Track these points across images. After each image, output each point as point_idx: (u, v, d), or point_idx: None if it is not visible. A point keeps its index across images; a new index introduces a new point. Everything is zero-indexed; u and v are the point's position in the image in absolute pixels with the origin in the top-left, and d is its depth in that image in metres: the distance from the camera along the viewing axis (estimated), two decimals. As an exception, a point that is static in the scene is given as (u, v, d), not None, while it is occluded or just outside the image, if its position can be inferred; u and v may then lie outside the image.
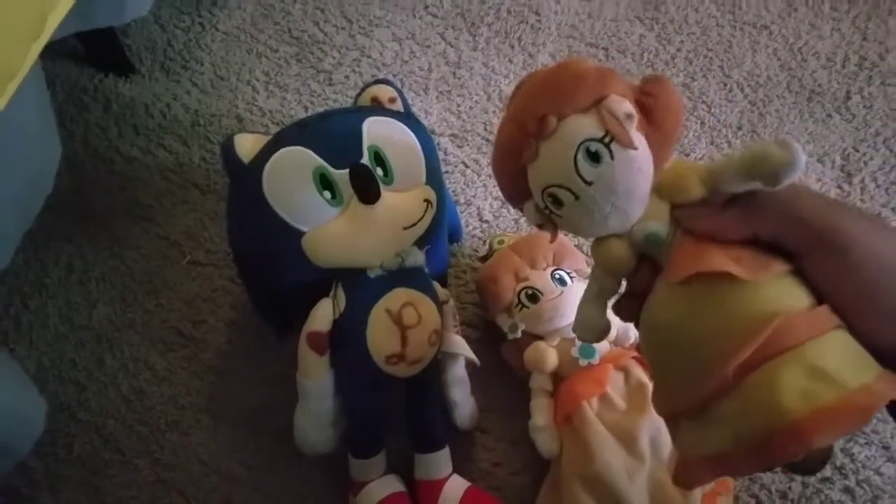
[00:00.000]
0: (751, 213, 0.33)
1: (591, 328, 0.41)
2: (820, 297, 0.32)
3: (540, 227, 0.41)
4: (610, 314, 0.42)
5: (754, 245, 0.33)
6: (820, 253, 0.31)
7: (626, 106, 0.34)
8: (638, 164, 0.35)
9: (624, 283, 0.40)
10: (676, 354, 0.34)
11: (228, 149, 0.58)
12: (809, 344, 0.30)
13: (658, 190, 0.36)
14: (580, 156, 0.35)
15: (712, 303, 0.32)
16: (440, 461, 0.59)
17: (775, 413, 0.29)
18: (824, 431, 0.28)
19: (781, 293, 0.31)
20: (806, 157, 0.31)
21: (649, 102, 0.36)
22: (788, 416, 0.28)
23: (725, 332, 0.31)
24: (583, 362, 0.60)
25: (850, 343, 0.30)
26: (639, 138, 0.35)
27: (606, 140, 0.34)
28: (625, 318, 0.39)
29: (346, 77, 0.88)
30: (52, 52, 0.61)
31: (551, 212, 0.38)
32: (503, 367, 0.65)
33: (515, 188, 0.40)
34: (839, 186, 0.79)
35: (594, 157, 0.35)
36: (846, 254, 0.30)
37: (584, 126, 0.35)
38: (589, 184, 0.35)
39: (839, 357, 0.29)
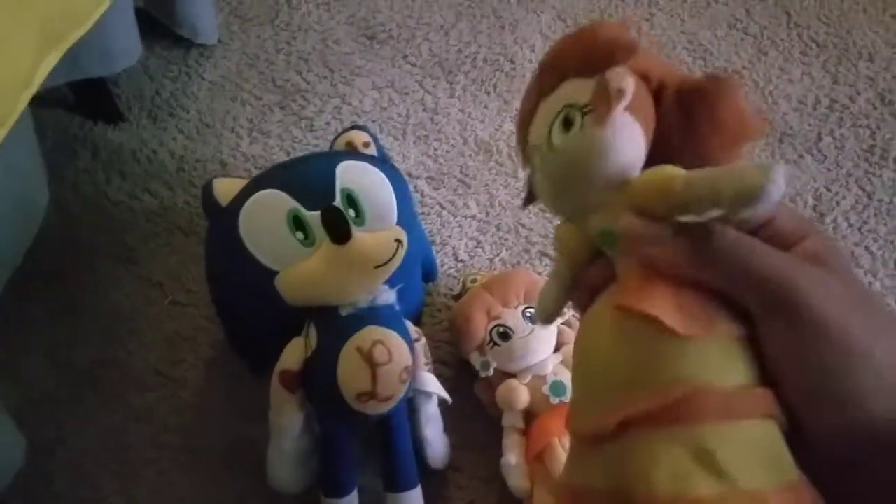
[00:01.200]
0: (696, 257, 0.28)
1: (540, 308, 0.37)
2: (767, 370, 0.27)
3: (525, 199, 0.38)
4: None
5: (714, 291, 0.28)
6: (772, 321, 0.27)
7: (623, 81, 0.29)
8: (603, 144, 0.30)
9: None
10: (585, 376, 0.31)
11: (208, 192, 0.61)
12: (714, 426, 0.26)
13: (631, 192, 0.30)
14: (558, 119, 0.32)
15: (634, 343, 0.28)
16: (412, 501, 0.60)
17: (642, 481, 0.26)
18: None
19: (712, 361, 0.27)
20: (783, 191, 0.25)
21: (692, 101, 0.31)
22: (651, 488, 0.25)
23: (631, 379, 0.28)
24: (554, 400, 0.61)
25: (766, 438, 0.26)
26: (624, 121, 0.30)
27: (586, 109, 0.30)
28: (576, 310, 0.35)
29: (328, 123, 0.91)
30: (45, 100, 0.63)
31: (533, 175, 0.35)
32: (476, 406, 0.66)
33: (521, 148, 0.37)
34: (811, 226, 0.81)
35: (567, 124, 0.31)
36: (800, 328, 0.26)
37: (575, 90, 0.32)
38: (554, 150, 0.32)
39: (742, 450, 0.25)
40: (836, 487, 0.26)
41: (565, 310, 0.37)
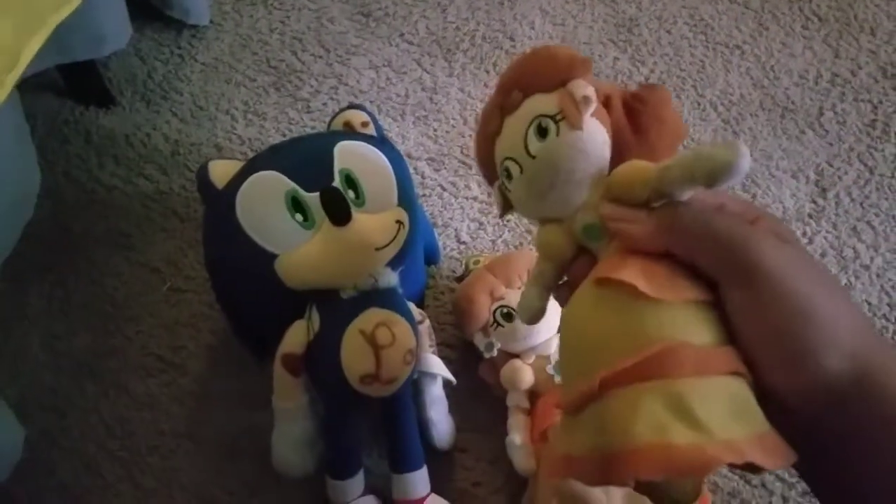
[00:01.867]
0: (666, 226, 0.32)
1: (524, 307, 0.41)
2: (732, 334, 0.30)
3: (501, 210, 0.42)
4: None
5: (683, 265, 0.31)
6: (732, 284, 0.30)
7: (586, 90, 0.34)
8: (581, 145, 0.34)
9: None
10: (569, 350, 0.34)
11: (203, 175, 0.59)
12: (689, 380, 0.28)
13: (608, 184, 0.35)
14: (531, 129, 0.35)
15: (612, 311, 0.31)
16: (418, 481, 0.59)
17: (623, 434, 0.28)
18: (658, 469, 0.26)
19: (683, 322, 0.29)
20: (751, 162, 0.28)
21: (637, 107, 0.36)
22: (632, 440, 0.27)
23: (611, 343, 0.30)
24: (558, 379, 0.60)
25: (739, 393, 0.29)
26: (594, 124, 0.35)
27: (558, 118, 0.35)
28: (560, 304, 0.38)
29: (324, 104, 0.90)
30: (34, 85, 0.62)
31: (505, 187, 0.39)
32: (481, 387, 0.66)
33: (487, 164, 0.41)
34: (813, 201, 0.80)
35: (542, 132, 0.35)
36: (757, 290, 0.28)
37: (542, 103, 0.35)
38: (533, 157, 0.36)
39: (716, 403, 0.27)
40: (804, 446, 0.28)
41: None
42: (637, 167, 0.33)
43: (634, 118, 0.36)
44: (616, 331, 0.30)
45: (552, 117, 0.35)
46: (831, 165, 0.84)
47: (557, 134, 0.35)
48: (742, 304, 0.29)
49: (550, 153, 0.35)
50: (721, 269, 0.30)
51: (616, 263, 0.32)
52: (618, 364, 0.29)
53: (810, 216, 0.80)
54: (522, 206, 0.39)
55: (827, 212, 0.80)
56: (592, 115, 0.34)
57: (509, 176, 0.38)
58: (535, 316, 0.40)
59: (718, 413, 0.27)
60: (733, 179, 0.29)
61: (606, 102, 0.36)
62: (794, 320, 0.28)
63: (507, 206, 0.41)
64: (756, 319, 0.29)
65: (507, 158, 0.38)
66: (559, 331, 0.35)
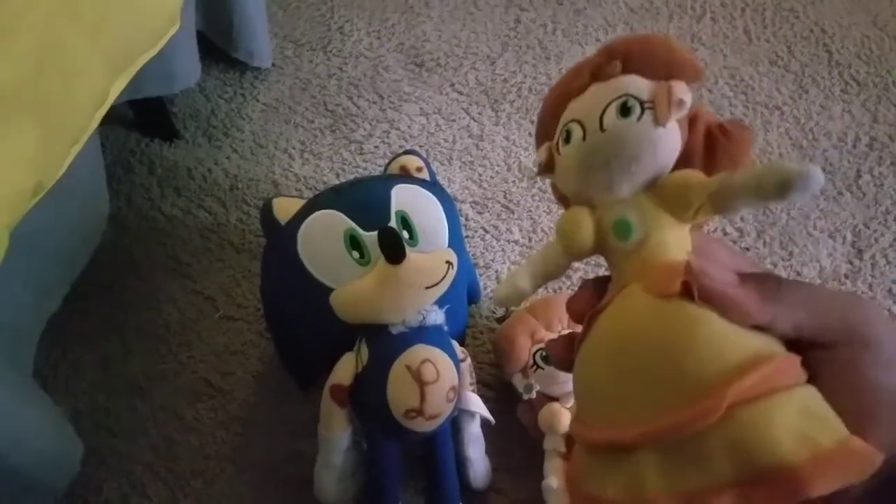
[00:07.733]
0: (770, 297, 0.30)
1: (506, 284, 0.37)
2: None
3: (539, 168, 0.38)
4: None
5: None
6: (847, 345, 0.29)
7: (685, 94, 0.33)
8: (656, 139, 0.33)
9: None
10: (651, 370, 0.30)
11: (267, 210, 0.63)
12: (798, 388, 0.28)
13: (658, 189, 0.34)
14: (614, 104, 0.34)
15: (708, 325, 0.29)
16: (453, 519, 0.60)
17: (773, 455, 0.26)
18: (827, 479, 0.25)
19: (764, 337, 0.29)
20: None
21: (720, 139, 0.35)
22: (788, 459, 0.26)
23: (721, 357, 0.28)
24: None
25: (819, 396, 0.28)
26: (675, 129, 0.33)
27: (646, 105, 0.33)
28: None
29: (376, 147, 0.93)
30: (104, 117, 0.66)
31: (557, 150, 0.37)
32: (518, 428, 0.66)
33: (549, 121, 0.38)
34: (850, 262, 0.81)
35: (625, 111, 0.34)
36: (878, 349, 0.28)
37: (637, 84, 0.34)
38: (603, 130, 0.34)
39: (825, 405, 0.27)
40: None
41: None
42: (694, 173, 0.32)
43: (711, 148, 0.35)
44: (721, 345, 0.28)
45: (641, 102, 0.33)
46: (868, 227, 0.85)
47: (639, 119, 0.33)
48: (842, 363, 0.28)
49: (623, 133, 0.33)
50: (835, 333, 0.29)
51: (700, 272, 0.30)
52: (745, 379, 0.27)
53: (846, 276, 0.80)
54: (565, 173, 0.36)
55: (863, 272, 0.80)
56: (679, 120, 0.33)
57: (567, 139, 0.36)
58: (511, 297, 0.37)
59: (832, 414, 0.27)
60: (806, 192, 0.27)
61: (693, 120, 0.35)
62: (893, 378, 0.27)
63: (547, 168, 0.38)
64: (855, 377, 0.28)
65: (574, 120, 0.35)
66: (596, 353, 0.32)
